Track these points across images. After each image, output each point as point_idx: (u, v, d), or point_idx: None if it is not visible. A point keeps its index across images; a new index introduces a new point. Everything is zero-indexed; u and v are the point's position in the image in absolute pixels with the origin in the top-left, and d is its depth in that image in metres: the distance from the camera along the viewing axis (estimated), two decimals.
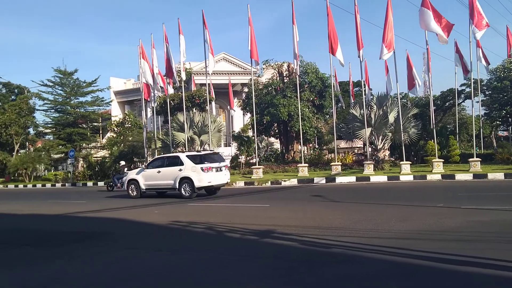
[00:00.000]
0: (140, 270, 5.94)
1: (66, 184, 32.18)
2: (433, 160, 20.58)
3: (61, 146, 41.14)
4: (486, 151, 29.16)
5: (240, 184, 21.70)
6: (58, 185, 32.64)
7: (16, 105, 40.40)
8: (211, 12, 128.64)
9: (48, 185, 32.92)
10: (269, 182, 21.16)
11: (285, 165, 26.76)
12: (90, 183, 30.53)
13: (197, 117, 27.41)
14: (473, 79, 22.61)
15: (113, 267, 6.27)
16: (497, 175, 17.86)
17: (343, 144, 30.31)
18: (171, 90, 28.64)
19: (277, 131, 33.14)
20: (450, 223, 8.11)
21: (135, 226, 10.28)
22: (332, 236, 7.27)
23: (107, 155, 38.37)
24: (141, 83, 27.91)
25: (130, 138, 36.21)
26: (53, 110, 44.54)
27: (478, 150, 29.40)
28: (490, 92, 34.06)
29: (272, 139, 37.21)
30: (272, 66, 33.08)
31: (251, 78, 27.75)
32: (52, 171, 41.89)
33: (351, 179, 20.15)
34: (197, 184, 15.82)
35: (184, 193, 16.00)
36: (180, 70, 26.20)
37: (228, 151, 37.39)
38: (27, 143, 43.88)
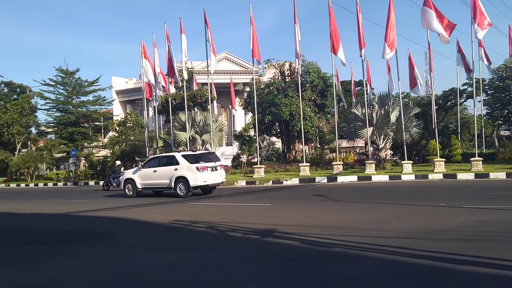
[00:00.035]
0: (141, 270, 5.93)
1: (68, 183, 32.24)
2: (434, 160, 20.56)
3: (63, 146, 41.24)
4: (488, 150, 29.12)
5: (242, 183, 21.72)
6: (60, 184, 32.68)
7: (18, 105, 40.49)
8: (212, 11, 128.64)
9: (50, 184, 32.97)
10: (271, 181, 21.16)
11: (287, 164, 26.75)
12: (92, 182, 30.56)
13: (199, 117, 27.43)
14: (475, 78, 22.56)
15: (114, 267, 6.27)
16: (499, 175, 17.84)
17: (344, 143, 30.35)
18: (172, 90, 28.63)
19: (278, 130, 33.11)
20: (451, 222, 8.10)
21: (136, 225, 10.30)
22: (334, 236, 7.27)
23: (109, 155, 38.44)
24: (143, 83, 27.93)
25: (131, 138, 36.26)
26: (55, 109, 44.70)
27: (484, 150, 29.37)
28: (492, 91, 34.08)
29: (273, 139, 37.21)
30: (273, 66, 33.06)
31: (252, 78, 27.75)
32: (54, 170, 42.02)
33: (353, 178, 20.15)
34: (192, 183, 15.93)
35: (179, 192, 16.11)
36: (182, 69, 26.22)
37: (229, 151, 37.42)
38: (29, 142, 43.99)
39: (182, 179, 16.12)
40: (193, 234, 8.69)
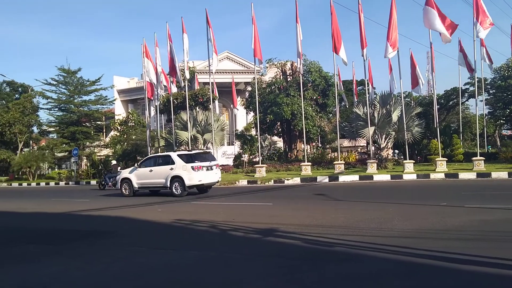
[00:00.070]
0: (142, 269, 5.93)
1: (70, 182, 32.28)
2: (436, 159, 20.53)
3: (64, 145, 41.29)
4: (490, 150, 29.06)
5: (243, 182, 21.72)
6: (62, 183, 32.74)
7: (20, 104, 40.55)
8: (214, 11, 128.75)
9: (52, 184, 33.02)
10: (272, 180, 21.16)
11: (288, 163, 26.74)
12: (93, 182, 30.58)
13: (200, 116, 27.45)
14: (477, 78, 22.51)
15: (115, 266, 6.27)
16: (500, 174, 17.81)
17: (346, 143, 30.30)
18: (174, 89, 28.67)
19: (280, 130, 33.10)
20: (453, 222, 8.09)
21: (137, 224, 10.31)
22: (335, 235, 7.27)
23: (111, 154, 38.48)
24: (145, 82, 27.94)
25: (133, 137, 36.31)
26: (56, 109, 44.75)
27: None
28: (494, 91, 34.01)
29: (275, 138, 37.19)
30: (275, 65, 33.05)
31: (254, 77, 27.75)
32: (56, 169, 42.04)
33: (354, 178, 20.14)
34: (187, 182, 16.08)
35: (175, 192, 16.26)
36: (183, 69, 26.24)
37: (231, 150, 37.44)
38: (31, 142, 44.06)
39: (177, 179, 16.30)
40: (194, 233, 8.69)
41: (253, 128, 32.82)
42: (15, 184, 34.89)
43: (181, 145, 26.26)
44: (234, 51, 48.68)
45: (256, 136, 28.23)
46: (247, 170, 25.87)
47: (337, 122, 23.91)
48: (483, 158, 19.76)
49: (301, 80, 24.89)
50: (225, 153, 37.52)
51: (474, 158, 19.74)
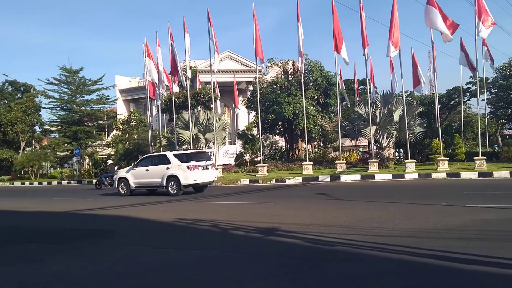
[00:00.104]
0: (144, 268, 5.93)
1: (72, 181, 32.34)
2: (438, 158, 20.51)
3: (66, 144, 41.37)
4: (492, 149, 29.02)
5: (245, 182, 21.74)
6: (64, 182, 32.81)
7: (22, 103, 40.64)
8: (216, 10, 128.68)
9: (54, 183, 33.10)
10: (274, 180, 21.17)
11: (290, 163, 26.74)
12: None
13: (202, 115, 27.48)
14: (479, 77, 22.49)
15: (117, 265, 6.27)
16: (502, 174, 17.79)
17: (348, 142, 30.26)
18: (176, 88, 28.69)
19: (281, 129, 33.09)
20: (455, 221, 8.09)
21: (139, 223, 10.33)
22: (337, 234, 7.27)
23: (113, 153, 38.55)
24: (146, 81, 27.97)
25: (135, 136, 36.36)
26: (58, 108, 44.84)
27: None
28: (495, 90, 33.97)
29: (276, 137, 37.18)
30: (277, 64, 33.02)
31: (256, 76, 27.74)
32: (58, 168, 42.13)
33: (356, 177, 20.13)
34: (183, 182, 16.25)
35: (171, 191, 16.43)
36: (185, 68, 26.26)
37: (233, 149, 37.46)
38: (33, 141, 44.15)
39: (173, 178, 16.47)
40: (196, 232, 8.70)
41: (254, 127, 32.87)
42: (17, 183, 34.98)
43: (182, 144, 26.29)
44: (236, 51, 48.69)
45: (258, 136, 28.27)
46: (249, 170, 25.88)
47: (339, 122, 23.89)
48: (485, 158, 19.72)
49: (302, 80, 24.88)
50: (227, 153, 37.53)
51: (475, 158, 19.72)
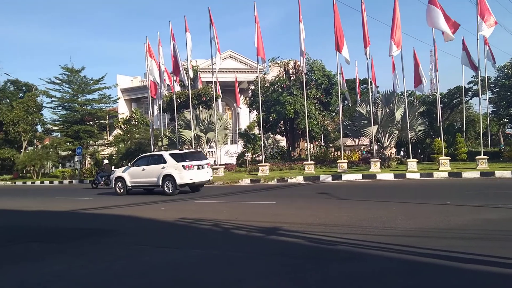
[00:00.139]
0: (145, 268, 5.94)
1: (74, 181, 32.38)
2: (439, 158, 20.48)
3: (68, 143, 41.41)
4: (494, 149, 28.99)
5: (247, 181, 21.74)
6: (66, 182, 32.86)
7: (24, 103, 40.69)
8: (217, 10, 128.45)
9: (56, 182, 33.15)
10: (275, 179, 21.17)
11: (291, 162, 26.73)
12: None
13: (204, 115, 27.49)
14: (481, 76, 22.43)
15: (119, 264, 6.27)
16: (504, 173, 17.76)
17: (349, 141, 30.27)
18: (177, 88, 28.71)
19: (283, 128, 33.08)
20: (457, 221, 8.08)
21: (141, 223, 10.34)
22: (338, 234, 7.27)
23: (114, 153, 38.57)
24: (148, 81, 28.01)
25: (137, 136, 36.39)
26: (60, 108, 44.87)
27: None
28: (497, 89, 33.92)
29: (278, 137, 37.17)
30: (278, 64, 33.00)
31: (257, 76, 27.73)
32: (60, 168, 42.20)
33: (357, 176, 20.12)
34: (178, 181, 16.38)
35: (167, 190, 16.56)
36: (187, 68, 26.27)
37: (234, 149, 37.47)
38: (35, 140, 44.19)
39: (169, 177, 16.61)
40: (198, 231, 8.70)
41: (256, 127, 32.85)
42: (19, 183, 35.05)
43: (184, 144, 26.31)
44: (237, 50, 48.76)
45: (259, 135, 28.26)
46: (250, 169, 25.88)
47: (340, 121, 23.88)
48: (487, 157, 19.70)
49: (304, 79, 24.86)
50: (228, 152, 37.55)
51: (477, 157, 19.69)
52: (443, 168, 19.64)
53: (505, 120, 35.83)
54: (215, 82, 27.86)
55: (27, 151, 39.94)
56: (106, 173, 23.89)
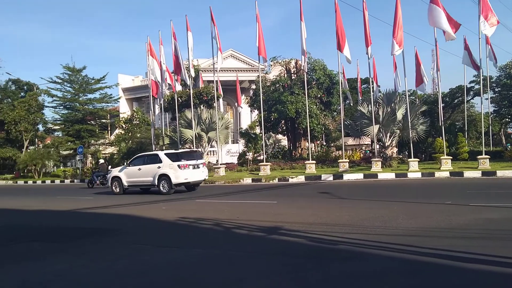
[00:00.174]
0: (146, 267, 5.94)
1: (75, 180, 32.42)
2: (441, 157, 20.45)
3: (69, 143, 41.49)
4: (495, 148, 28.96)
5: (248, 180, 21.74)
6: (67, 181, 32.89)
7: (26, 102, 40.77)
8: (218, 9, 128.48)
9: (57, 181, 33.18)
10: (277, 179, 21.16)
11: (293, 162, 26.73)
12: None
13: (205, 114, 27.49)
14: (482, 76, 22.39)
15: (119, 264, 6.27)
16: (506, 173, 17.71)
17: (350, 141, 30.29)
18: (178, 87, 28.70)
19: (284, 128, 33.08)
20: (458, 220, 8.06)
21: (142, 222, 10.33)
22: (339, 233, 7.26)
23: (115, 152, 38.59)
24: (149, 80, 28.01)
25: (138, 135, 36.42)
26: (62, 107, 44.97)
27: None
28: (499, 89, 33.87)
29: (279, 136, 37.17)
30: (279, 63, 33.01)
31: (258, 75, 27.74)
32: (61, 167, 42.27)
33: (359, 176, 20.10)
34: (174, 180, 16.50)
35: (162, 189, 16.69)
36: (188, 67, 26.28)
37: (235, 148, 37.48)
38: (36, 140, 44.28)
39: (164, 177, 16.73)
40: (198, 231, 8.70)
41: (257, 126, 32.82)
42: (20, 182, 35.11)
43: (185, 143, 26.31)
44: (239, 50, 48.66)
45: (261, 134, 28.22)
46: (252, 168, 25.88)
47: (342, 120, 23.86)
48: (488, 157, 19.65)
49: (305, 78, 24.85)
50: (230, 151, 37.56)
51: (479, 157, 19.64)
52: (445, 168, 19.61)
53: (507, 119, 35.79)
54: (216, 81, 27.84)
55: (28, 151, 39.99)
56: (102, 172, 24.08)
